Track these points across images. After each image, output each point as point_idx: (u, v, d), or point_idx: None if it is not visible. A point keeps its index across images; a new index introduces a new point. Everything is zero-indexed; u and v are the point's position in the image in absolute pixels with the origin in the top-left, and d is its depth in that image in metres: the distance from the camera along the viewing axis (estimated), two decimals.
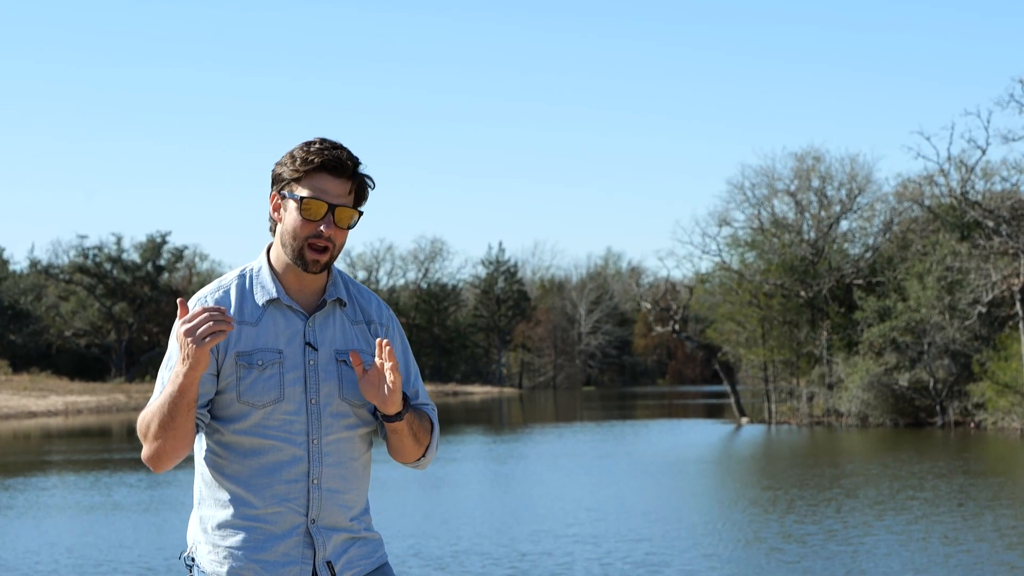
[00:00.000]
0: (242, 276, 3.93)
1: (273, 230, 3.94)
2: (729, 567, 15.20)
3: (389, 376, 3.78)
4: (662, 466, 30.06)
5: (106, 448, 37.74)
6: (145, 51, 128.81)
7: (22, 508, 22.31)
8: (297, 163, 3.82)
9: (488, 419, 59.05)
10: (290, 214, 3.84)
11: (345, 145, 3.87)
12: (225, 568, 3.87)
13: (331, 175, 3.82)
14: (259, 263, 3.95)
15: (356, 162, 3.87)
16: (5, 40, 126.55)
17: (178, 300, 3.68)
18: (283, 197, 3.86)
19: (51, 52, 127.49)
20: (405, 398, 3.89)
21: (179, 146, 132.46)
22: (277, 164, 3.88)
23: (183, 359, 3.64)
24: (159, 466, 3.79)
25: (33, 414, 61.83)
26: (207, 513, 3.91)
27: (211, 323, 3.61)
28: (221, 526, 3.88)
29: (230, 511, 3.86)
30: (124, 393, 73.67)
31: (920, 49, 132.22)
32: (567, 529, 18.63)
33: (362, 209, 3.90)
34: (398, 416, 3.85)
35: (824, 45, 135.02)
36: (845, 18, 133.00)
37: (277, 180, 3.88)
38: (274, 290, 3.88)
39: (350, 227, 3.86)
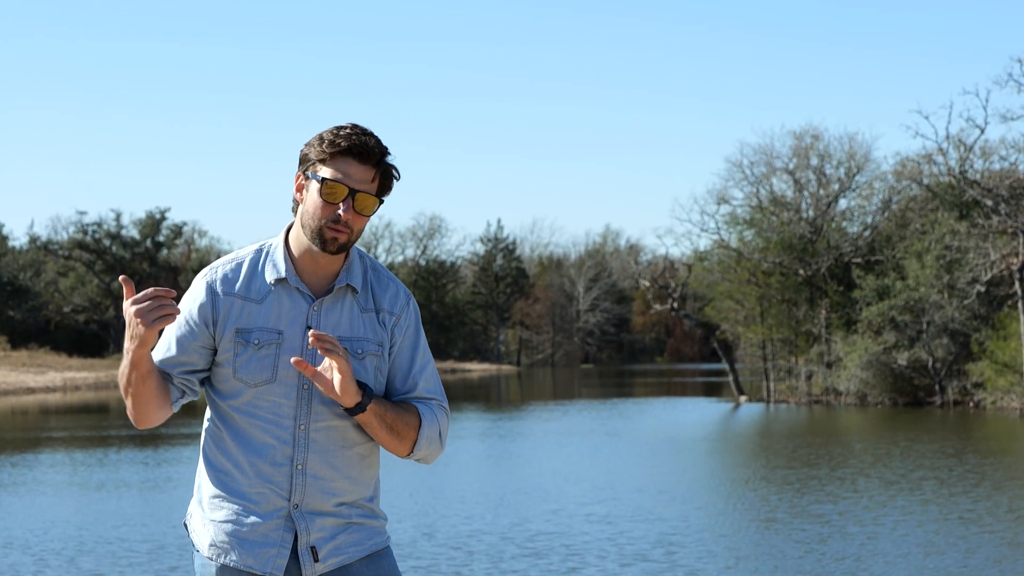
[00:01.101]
0: (258, 252, 3.94)
1: (295, 210, 3.94)
2: (746, 548, 15.16)
3: (336, 372, 3.74)
4: (669, 444, 30.11)
5: (111, 424, 37.75)
6: (146, 26, 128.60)
7: (32, 485, 22.33)
8: (324, 145, 3.83)
9: (487, 396, 59.07)
10: (311, 195, 3.85)
11: (376, 134, 3.88)
12: (207, 541, 3.91)
13: (356, 160, 3.82)
14: (277, 241, 3.96)
15: (384, 151, 3.86)
16: (5, 15, 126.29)
17: (121, 278, 3.74)
18: (307, 178, 3.87)
19: (51, 27, 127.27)
20: (367, 392, 3.82)
21: (179, 123, 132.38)
22: (306, 145, 3.89)
23: (130, 336, 3.69)
24: (137, 423, 3.90)
25: (31, 390, 61.85)
26: (203, 483, 3.95)
27: (159, 307, 3.66)
28: (212, 498, 3.92)
29: (220, 484, 3.90)
30: None
31: (919, 28, 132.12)
32: (580, 508, 18.58)
33: (384, 198, 3.90)
34: (359, 408, 3.80)
35: (823, 23, 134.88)
36: None
37: (303, 161, 3.88)
38: (283, 270, 3.88)
39: (369, 214, 3.85)
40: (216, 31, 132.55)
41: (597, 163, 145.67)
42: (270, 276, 3.89)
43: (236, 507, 3.88)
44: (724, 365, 56.80)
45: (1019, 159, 45.94)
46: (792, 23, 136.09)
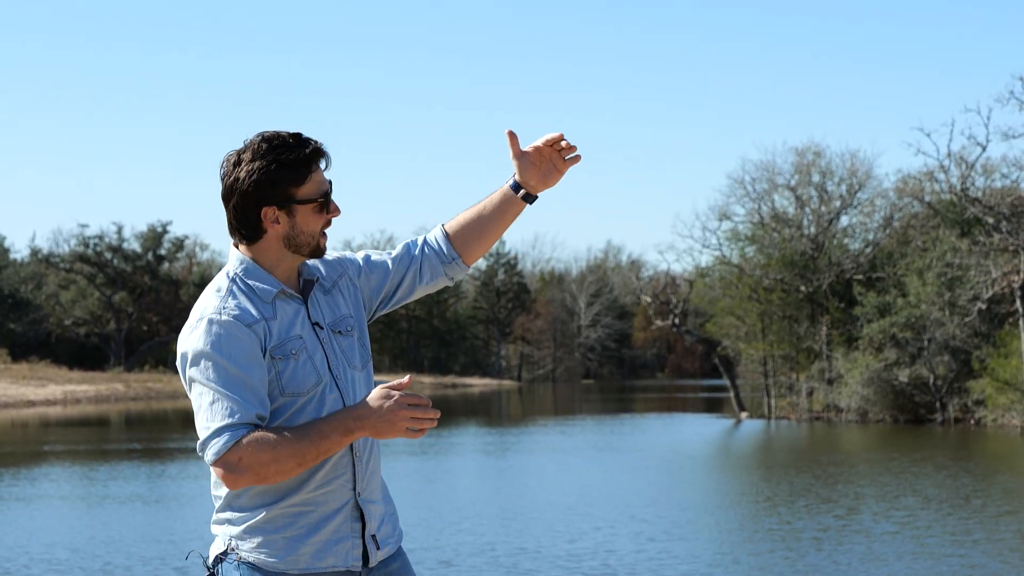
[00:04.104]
0: (232, 280, 3.88)
1: (253, 240, 3.88)
2: (799, 568, 15.04)
3: (563, 156, 3.98)
4: (688, 461, 30.36)
5: (119, 438, 37.76)
6: (147, 39, 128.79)
7: (57, 499, 22.32)
8: (295, 170, 3.81)
9: (488, 411, 58.99)
10: (304, 217, 3.85)
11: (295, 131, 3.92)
12: (279, 557, 3.83)
13: (317, 164, 3.89)
14: (241, 265, 3.89)
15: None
16: (6, 28, 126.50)
17: (406, 377, 3.76)
18: (283, 206, 3.83)
19: (52, 40, 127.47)
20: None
21: (181, 135, 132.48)
22: (248, 177, 3.80)
23: (376, 420, 3.71)
24: (242, 486, 3.75)
25: (31, 403, 61.83)
26: (250, 510, 3.85)
27: (430, 422, 3.72)
28: (270, 517, 3.82)
29: (279, 501, 3.82)
30: (123, 382, 73.66)
31: (920, 45, 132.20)
32: (625, 527, 18.45)
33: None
34: (536, 197, 4.06)
35: (825, 40, 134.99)
36: (846, 13, 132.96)
37: (273, 193, 3.81)
38: (274, 283, 3.89)
39: None
40: (219, 44, 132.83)
41: (599, 179, 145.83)
42: (266, 293, 3.88)
43: (303, 516, 3.83)
44: (725, 381, 56.75)
45: (1020, 177, 45.97)
46: (794, 40, 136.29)
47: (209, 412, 3.70)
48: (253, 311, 3.82)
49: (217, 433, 3.68)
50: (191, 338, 3.77)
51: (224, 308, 3.79)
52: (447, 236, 4.12)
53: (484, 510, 20.65)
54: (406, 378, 3.70)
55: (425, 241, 4.14)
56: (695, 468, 28.74)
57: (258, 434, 3.67)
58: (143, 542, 16.93)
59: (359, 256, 4.13)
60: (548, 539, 17.25)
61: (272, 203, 3.82)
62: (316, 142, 3.87)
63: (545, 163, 3.99)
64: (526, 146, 4.02)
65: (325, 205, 3.87)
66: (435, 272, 4.11)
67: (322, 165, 3.88)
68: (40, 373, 73.69)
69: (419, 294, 4.15)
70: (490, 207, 4.08)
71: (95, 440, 37.27)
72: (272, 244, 3.88)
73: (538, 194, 4.05)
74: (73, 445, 35.22)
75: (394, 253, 4.14)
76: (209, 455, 3.70)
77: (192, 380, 3.75)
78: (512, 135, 3.98)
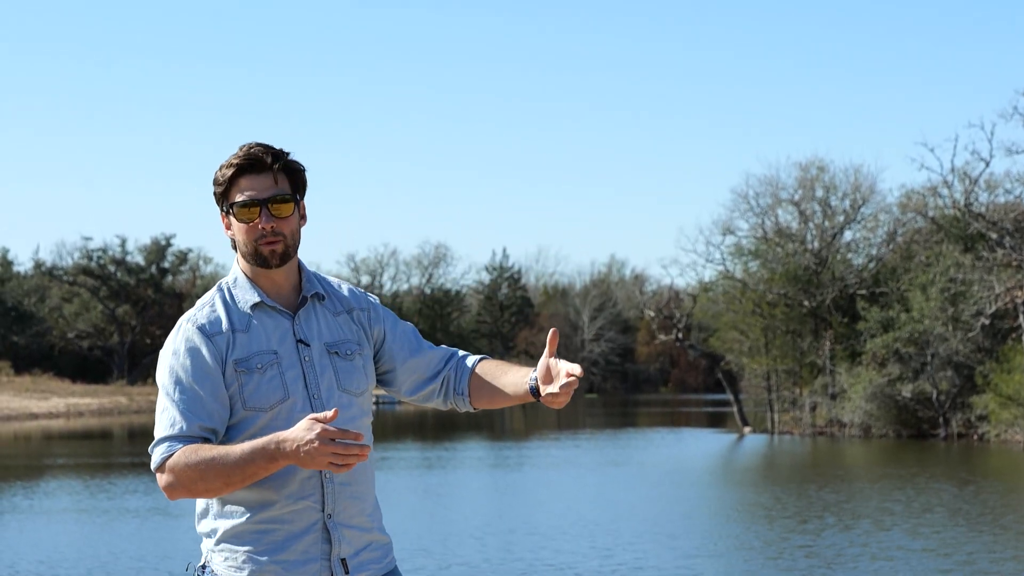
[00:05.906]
0: (221, 290, 3.99)
1: (235, 247, 4.02)
2: None
3: (564, 380, 3.94)
4: (705, 476, 30.41)
5: (130, 451, 37.73)
6: (152, 51, 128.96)
7: (72, 511, 22.38)
8: (219, 176, 3.94)
9: (491, 426, 59.04)
10: (235, 225, 3.95)
11: (262, 142, 3.97)
12: (245, 572, 3.87)
13: (251, 174, 3.92)
14: (233, 275, 4.02)
15: (276, 153, 3.96)
16: (9, 39, 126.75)
17: (332, 411, 3.70)
18: (225, 214, 3.97)
19: (56, 51, 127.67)
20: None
21: (185, 148, 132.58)
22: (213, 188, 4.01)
23: (298, 450, 3.66)
24: (178, 498, 3.84)
25: (34, 416, 61.93)
26: (220, 524, 3.91)
27: (355, 457, 3.65)
28: (237, 532, 3.89)
29: (246, 517, 3.87)
30: (126, 395, 73.77)
31: (924, 60, 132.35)
32: (667, 541, 18.44)
33: (301, 195, 3.99)
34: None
35: (829, 54, 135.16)
36: (849, 28, 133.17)
37: (218, 202, 3.98)
38: (256, 295, 3.95)
39: (291, 214, 3.94)
40: (224, 57, 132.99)
41: (603, 193, 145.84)
42: (245, 304, 3.95)
43: (270, 533, 3.87)
44: (728, 396, 56.82)
45: None
46: (799, 54, 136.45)
47: (158, 420, 3.82)
48: (223, 322, 3.91)
49: (158, 443, 3.79)
50: (164, 343, 3.93)
51: (195, 317, 3.92)
52: (470, 374, 4.16)
53: (506, 525, 20.60)
54: (332, 411, 3.65)
55: (458, 363, 4.21)
56: (710, 483, 28.77)
57: (191, 449, 3.74)
58: (170, 556, 17.00)
59: (404, 325, 4.19)
60: (580, 556, 17.20)
61: (220, 210, 3.99)
62: (249, 150, 3.95)
63: (554, 381, 3.98)
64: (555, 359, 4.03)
65: (244, 215, 3.90)
66: (447, 393, 4.16)
67: (258, 175, 3.92)
68: (43, 386, 73.79)
69: (429, 403, 4.19)
70: (508, 388, 4.11)
71: (102, 453, 37.36)
72: (239, 253, 4.00)
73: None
74: (85, 458, 35.30)
75: (433, 351, 4.20)
76: (151, 464, 3.82)
77: (157, 385, 3.90)
78: (555, 335, 4.02)
